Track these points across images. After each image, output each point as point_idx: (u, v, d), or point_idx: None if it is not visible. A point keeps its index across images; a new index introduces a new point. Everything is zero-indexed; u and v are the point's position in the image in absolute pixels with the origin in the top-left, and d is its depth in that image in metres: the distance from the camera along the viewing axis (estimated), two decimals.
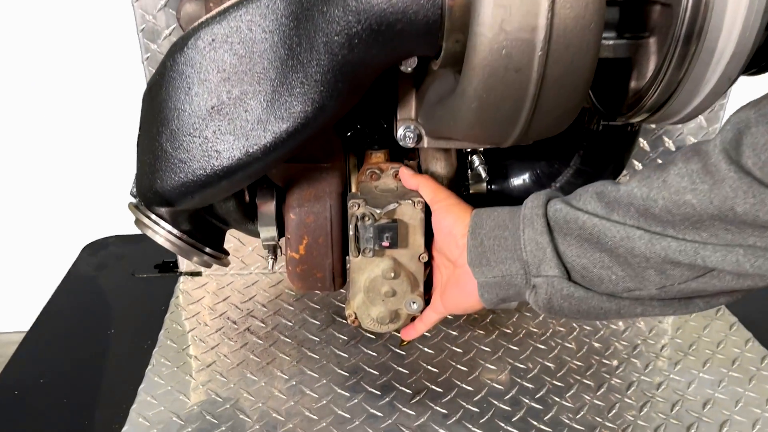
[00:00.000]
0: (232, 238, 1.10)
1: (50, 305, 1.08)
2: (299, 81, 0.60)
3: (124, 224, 1.34)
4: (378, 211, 0.70)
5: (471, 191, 0.84)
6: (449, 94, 0.58)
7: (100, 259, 1.24)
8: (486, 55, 0.48)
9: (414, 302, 0.74)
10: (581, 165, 0.79)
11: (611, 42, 0.56)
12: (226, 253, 0.86)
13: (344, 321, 1.00)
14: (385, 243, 0.71)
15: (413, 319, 0.77)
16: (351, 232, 0.71)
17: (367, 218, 0.71)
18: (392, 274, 0.72)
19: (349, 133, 0.80)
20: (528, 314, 1.03)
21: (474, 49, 0.49)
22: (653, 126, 1.05)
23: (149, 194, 0.69)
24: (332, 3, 0.55)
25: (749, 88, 1.13)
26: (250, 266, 1.13)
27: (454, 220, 0.68)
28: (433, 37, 0.54)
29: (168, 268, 1.17)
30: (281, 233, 0.83)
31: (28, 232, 1.69)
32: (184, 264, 1.14)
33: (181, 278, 1.12)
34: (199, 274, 1.13)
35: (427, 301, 0.75)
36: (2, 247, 1.69)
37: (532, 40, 0.47)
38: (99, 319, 1.04)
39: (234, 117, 0.63)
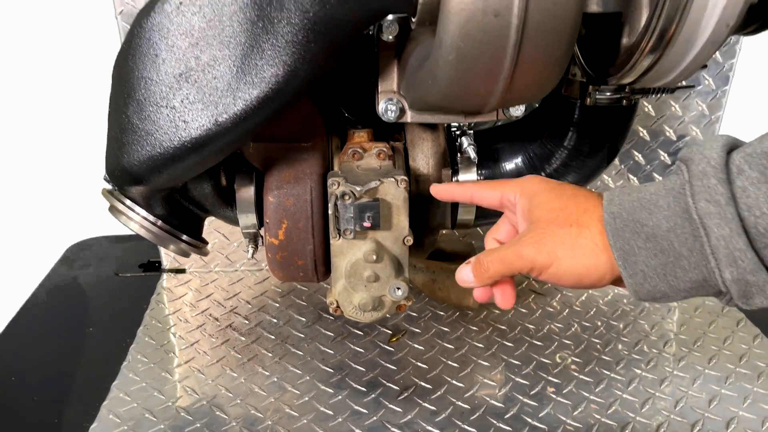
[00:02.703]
0: (217, 234, 1.06)
1: (28, 303, 1.04)
2: (270, 43, 0.57)
3: (111, 225, 1.31)
4: (358, 189, 0.66)
5: (460, 176, 0.80)
6: (429, 60, 0.55)
7: (84, 260, 1.20)
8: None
9: (398, 288, 0.70)
10: (576, 144, 0.75)
11: None
12: (205, 242, 0.82)
13: (331, 317, 0.96)
14: (366, 223, 0.67)
15: (398, 307, 0.73)
16: (330, 212, 0.67)
17: (347, 197, 0.67)
18: (374, 257, 0.68)
19: (331, 111, 0.77)
20: (524, 310, 0.98)
21: None
22: (653, 113, 1.01)
23: (117, 171, 0.66)
24: None
25: (751, 85, 1.09)
26: (236, 263, 1.09)
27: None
28: None
29: (153, 267, 1.13)
30: (261, 220, 0.79)
31: (11, 232, 1.65)
32: (167, 261, 1.10)
33: (165, 275, 1.08)
34: (183, 271, 1.09)
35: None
36: None
37: None
38: (77, 317, 1.00)
39: (203, 84, 0.59)
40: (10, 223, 1.66)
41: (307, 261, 0.77)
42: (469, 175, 0.80)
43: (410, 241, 0.69)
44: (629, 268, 0.48)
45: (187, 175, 0.68)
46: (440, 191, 0.67)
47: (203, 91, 0.60)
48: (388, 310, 0.72)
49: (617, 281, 0.51)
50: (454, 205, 0.81)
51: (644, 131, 1.01)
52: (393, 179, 0.67)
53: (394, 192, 0.68)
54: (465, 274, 0.59)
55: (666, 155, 1.03)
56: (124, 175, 0.65)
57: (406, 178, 0.68)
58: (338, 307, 0.73)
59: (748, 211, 0.42)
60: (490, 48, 0.47)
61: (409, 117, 0.68)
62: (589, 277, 0.51)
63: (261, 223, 0.79)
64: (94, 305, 1.05)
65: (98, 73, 1.40)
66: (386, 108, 0.67)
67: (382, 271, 0.69)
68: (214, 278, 1.06)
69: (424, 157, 0.76)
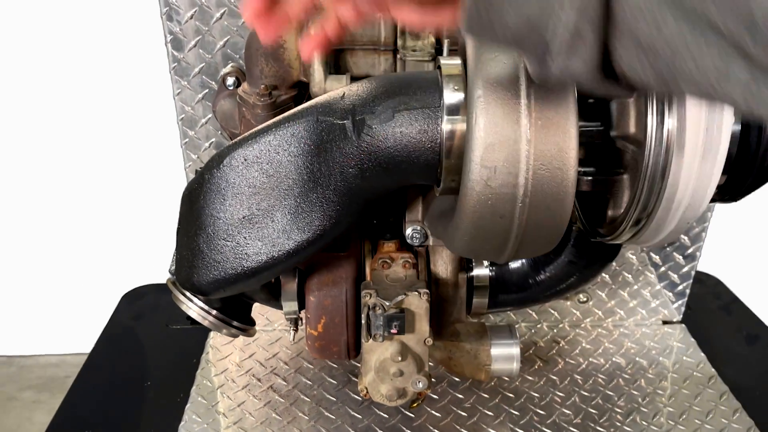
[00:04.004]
0: None
1: (93, 355, 1.19)
2: (318, 199, 0.69)
3: (160, 273, 1.46)
4: (387, 303, 0.79)
5: (474, 272, 0.93)
6: (448, 217, 0.67)
7: (138, 309, 1.35)
8: (474, 204, 0.57)
9: (419, 381, 0.83)
10: (573, 258, 0.87)
11: (589, 178, 0.64)
12: (253, 323, 0.96)
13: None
14: (393, 330, 0.80)
15: (419, 394, 0.86)
16: (363, 321, 0.80)
17: (377, 308, 0.79)
18: (399, 358, 0.81)
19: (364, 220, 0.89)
20: (530, 378, 1.10)
21: (465, 197, 0.57)
22: None
23: (187, 284, 0.79)
24: (348, 142, 0.65)
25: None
26: (274, 323, 1.22)
27: None
28: (432, 175, 0.63)
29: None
30: (302, 306, 0.92)
31: (72, 278, 1.83)
32: None
33: (211, 333, 1.22)
34: None
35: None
36: (53, 287, 1.84)
37: (514, 194, 0.56)
38: (136, 371, 1.15)
39: (262, 226, 0.72)
40: (68, 270, 1.83)
41: (341, 347, 0.90)
42: (482, 271, 0.92)
43: (430, 342, 0.82)
44: None
45: (243, 290, 0.81)
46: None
47: (262, 232, 0.72)
48: (410, 397, 0.85)
49: None
50: (469, 296, 0.93)
51: None
52: (417, 292, 0.80)
53: (417, 303, 0.80)
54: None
55: None
56: (193, 289, 0.78)
57: (427, 291, 0.80)
58: (368, 393, 0.86)
59: None
60: (497, 238, 0.59)
61: (431, 242, 0.80)
62: None
63: (301, 307, 0.93)
64: (151, 357, 1.19)
65: (158, 151, 1.55)
66: (412, 235, 0.80)
67: (406, 368, 0.82)
68: (256, 337, 1.20)
69: (443, 263, 0.88)
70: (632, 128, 0.61)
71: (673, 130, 0.56)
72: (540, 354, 1.16)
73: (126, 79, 1.52)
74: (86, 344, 1.95)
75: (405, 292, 0.80)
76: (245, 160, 0.72)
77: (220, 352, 1.16)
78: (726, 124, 0.55)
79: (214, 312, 0.90)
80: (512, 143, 0.54)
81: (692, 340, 1.20)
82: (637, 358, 1.15)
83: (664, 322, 1.24)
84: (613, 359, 1.15)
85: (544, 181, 0.55)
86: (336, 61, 0.84)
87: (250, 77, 0.87)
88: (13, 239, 1.82)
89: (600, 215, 0.68)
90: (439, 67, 0.64)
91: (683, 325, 1.23)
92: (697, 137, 0.55)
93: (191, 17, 0.93)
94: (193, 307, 0.89)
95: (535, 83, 0.54)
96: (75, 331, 1.94)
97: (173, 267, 0.88)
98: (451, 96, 0.60)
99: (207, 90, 0.98)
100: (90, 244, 1.80)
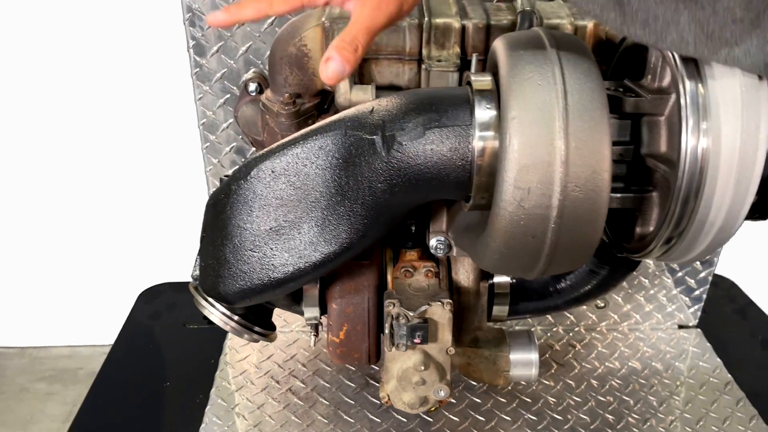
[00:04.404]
0: None
1: (111, 356, 1.20)
2: (346, 213, 0.70)
3: (175, 271, 1.48)
4: (411, 314, 0.79)
5: (494, 280, 0.93)
6: (475, 232, 0.67)
7: (155, 308, 1.35)
8: (506, 224, 0.57)
9: (441, 390, 0.83)
10: (595, 267, 0.87)
11: (619, 195, 0.64)
12: (274, 328, 0.96)
13: (376, 384, 1.10)
14: (417, 340, 0.80)
15: (440, 401, 0.86)
16: (387, 331, 0.81)
17: (401, 318, 0.80)
18: (422, 367, 0.81)
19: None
20: (547, 382, 1.11)
21: (497, 217, 0.58)
22: None
23: (213, 293, 0.79)
24: (377, 157, 0.65)
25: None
26: (291, 324, 1.23)
27: None
28: (462, 192, 0.63)
29: None
30: (323, 312, 0.92)
31: (84, 270, 1.84)
32: None
33: (229, 334, 1.22)
34: None
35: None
36: (66, 278, 1.86)
37: (547, 216, 0.56)
38: (155, 371, 1.16)
39: (289, 237, 0.73)
40: (81, 262, 1.84)
41: (363, 354, 0.90)
42: (503, 279, 0.93)
43: (452, 351, 0.83)
44: None
45: (268, 300, 0.82)
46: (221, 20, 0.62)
47: (289, 244, 0.73)
48: (431, 405, 0.86)
49: None
50: (490, 303, 0.94)
51: None
52: (440, 302, 0.80)
53: (440, 313, 0.81)
54: (332, 67, 0.53)
55: None
56: (219, 298, 0.79)
57: (450, 301, 0.80)
58: (389, 400, 0.86)
59: None
60: (528, 256, 0.59)
61: (455, 252, 0.81)
62: None
63: (322, 313, 0.93)
64: (169, 357, 1.20)
65: (177, 148, 1.56)
66: (436, 245, 0.80)
67: (428, 377, 0.83)
68: None
69: (465, 272, 0.89)
70: (663, 147, 0.61)
71: (707, 150, 0.55)
72: (556, 358, 1.17)
73: (148, 84, 1.53)
74: (98, 336, 2.00)
75: (428, 302, 0.80)
76: (273, 172, 0.72)
77: (238, 354, 1.17)
78: (762, 145, 0.55)
79: (236, 318, 0.90)
80: (546, 165, 0.54)
81: (708, 345, 1.20)
82: (653, 363, 1.15)
83: (680, 327, 1.24)
84: (629, 363, 1.15)
85: (578, 202, 0.55)
86: (360, 70, 0.83)
87: (273, 85, 0.87)
88: (29, 232, 1.83)
89: (627, 231, 0.68)
90: (469, 83, 0.64)
91: (699, 330, 1.24)
92: (732, 158, 0.55)
93: None
94: (216, 313, 0.89)
95: (569, 104, 0.54)
96: (87, 322, 1.97)
97: (196, 272, 0.89)
98: (483, 114, 0.60)
99: (228, 95, 0.99)
100: (106, 239, 1.82)
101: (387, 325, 0.81)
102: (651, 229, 0.64)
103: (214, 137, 1.03)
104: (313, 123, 0.80)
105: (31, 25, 1.50)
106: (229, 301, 0.78)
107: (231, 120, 1.01)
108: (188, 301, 1.36)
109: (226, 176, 0.85)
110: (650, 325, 1.24)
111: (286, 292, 0.78)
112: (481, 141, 0.60)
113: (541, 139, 0.54)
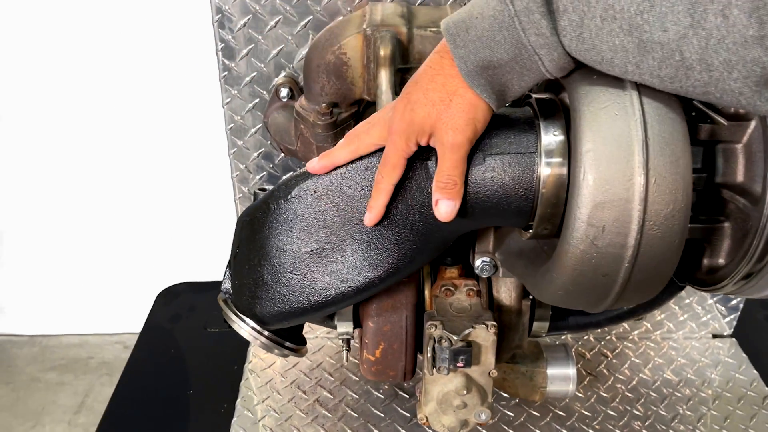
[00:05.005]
0: None
1: (132, 361, 1.17)
2: (393, 237, 0.66)
3: (193, 269, 1.45)
4: (455, 338, 0.76)
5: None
6: (531, 260, 0.64)
7: (174, 310, 1.32)
8: (576, 262, 0.53)
9: (482, 413, 0.80)
10: None
11: (689, 226, 0.61)
12: (304, 342, 0.93)
13: (405, 395, 1.07)
14: (460, 364, 0.77)
15: (479, 424, 0.84)
16: (428, 354, 0.77)
17: (444, 341, 0.76)
18: (464, 391, 0.78)
19: None
20: (580, 394, 1.08)
21: (566, 254, 0.54)
22: None
23: (248, 314, 0.76)
24: (430, 182, 0.61)
25: None
26: (316, 330, 1.20)
27: None
28: (523, 221, 0.60)
29: None
30: (356, 326, 0.89)
31: (95, 259, 1.82)
32: None
33: None
34: None
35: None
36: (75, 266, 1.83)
37: (621, 255, 0.52)
38: (178, 378, 1.13)
39: (331, 260, 0.69)
40: (92, 251, 1.82)
41: (398, 372, 0.87)
42: None
43: (495, 374, 0.79)
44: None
45: (306, 322, 0.78)
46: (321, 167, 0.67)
47: (331, 267, 0.69)
48: (471, 428, 0.83)
49: None
50: (531, 319, 0.91)
51: None
52: (484, 325, 0.77)
53: (484, 336, 0.77)
54: (443, 208, 0.59)
55: None
56: (255, 319, 0.76)
57: (495, 323, 0.77)
58: (428, 421, 0.83)
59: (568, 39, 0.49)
60: (596, 294, 0.56)
61: (501, 273, 0.77)
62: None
63: (356, 327, 0.90)
64: (191, 363, 1.18)
65: (200, 145, 1.52)
66: (482, 267, 0.77)
67: (469, 400, 0.80)
68: None
69: (507, 290, 0.85)
70: (740, 177, 0.57)
71: None
72: (589, 368, 1.14)
73: (176, 86, 1.50)
74: (108, 324, 1.97)
75: (472, 325, 0.77)
76: (315, 192, 0.68)
77: (263, 361, 1.14)
78: None
79: (266, 333, 0.87)
80: (624, 203, 0.51)
81: (744, 355, 1.17)
82: (689, 375, 1.13)
83: (714, 336, 1.21)
84: (663, 375, 1.12)
85: (655, 240, 0.52)
86: (402, 82, 0.79)
87: (309, 93, 0.83)
88: (44, 222, 1.81)
89: (693, 262, 0.64)
90: (531, 104, 0.60)
91: (734, 339, 1.21)
92: None
93: (244, 25, 0.88)
94: (245, 328, 0.86)
95: (650, 137, 0.50)
96: (97, 310, 1.94)
97: (226, 285, 0.85)
98: (550, 141, 0.56)
99: (257, 99, 0.94)
100: (124, 234, 1.79)
101: (429, 348, 0.77)
102: (721, 261, 0.61)
103: (242, 142, 0.99)
104: None
105: (62, 30, 1.46)
106: (266, 322, 0.75)
107: (259, 125, 0.96)
108: (208, 303, 1.35)
109: (261, 190, 0.81)
110: (683, 333, 1.21)
111: (325, 314, 0.75)
112: (547, 168, 0.56)
113: (619, 174, 0.50)
